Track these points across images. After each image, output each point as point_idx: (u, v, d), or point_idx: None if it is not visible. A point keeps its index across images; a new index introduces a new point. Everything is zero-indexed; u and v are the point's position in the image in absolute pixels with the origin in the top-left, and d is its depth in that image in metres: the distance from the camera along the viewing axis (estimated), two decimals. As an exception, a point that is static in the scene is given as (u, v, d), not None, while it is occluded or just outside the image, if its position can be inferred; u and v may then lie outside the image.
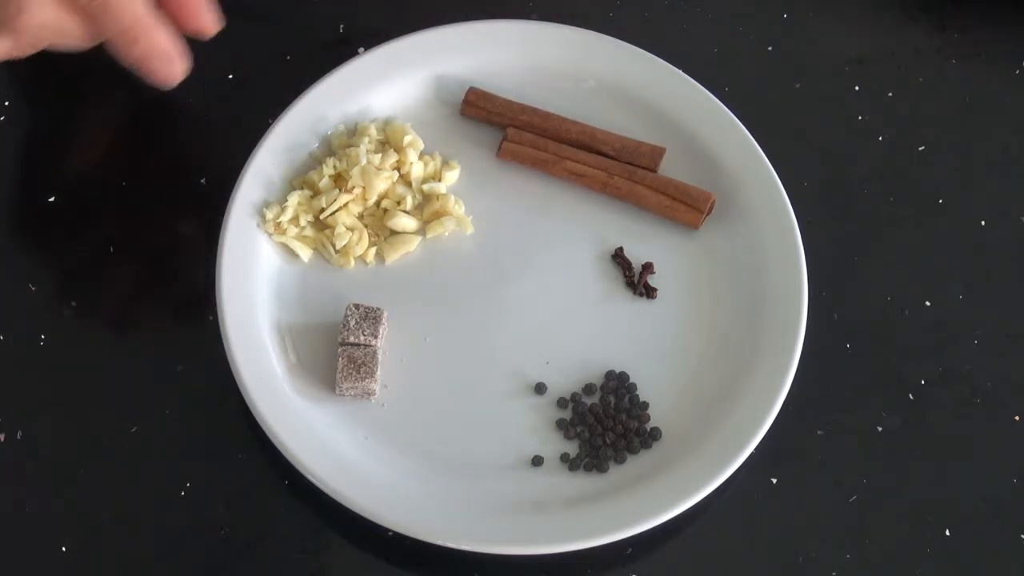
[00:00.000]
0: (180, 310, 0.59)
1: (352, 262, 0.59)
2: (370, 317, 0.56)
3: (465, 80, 0.63)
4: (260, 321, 0.56)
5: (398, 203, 0.60)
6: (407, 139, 0.61)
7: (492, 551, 0.52)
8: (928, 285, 0.61)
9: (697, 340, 0.58)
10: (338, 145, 0.61)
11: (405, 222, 0.60)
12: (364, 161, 0.59)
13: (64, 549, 0.54)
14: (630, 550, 0.54)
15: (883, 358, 0.60)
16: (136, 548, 0.54)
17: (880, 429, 0.58)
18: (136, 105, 0.63)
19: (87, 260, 0.60)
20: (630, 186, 0.61)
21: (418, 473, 0.55)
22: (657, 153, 0.61)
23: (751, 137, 0.61)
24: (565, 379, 0.57)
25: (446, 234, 0.60)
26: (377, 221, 0.60)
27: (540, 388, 0.57)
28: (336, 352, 0.56)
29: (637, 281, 0.60)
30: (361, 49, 0.63)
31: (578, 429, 0.56)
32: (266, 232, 0.59)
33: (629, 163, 0.61)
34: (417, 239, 0.60)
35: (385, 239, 0.60)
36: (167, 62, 0.54)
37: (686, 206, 0.60)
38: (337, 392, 0.55)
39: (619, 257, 0.60)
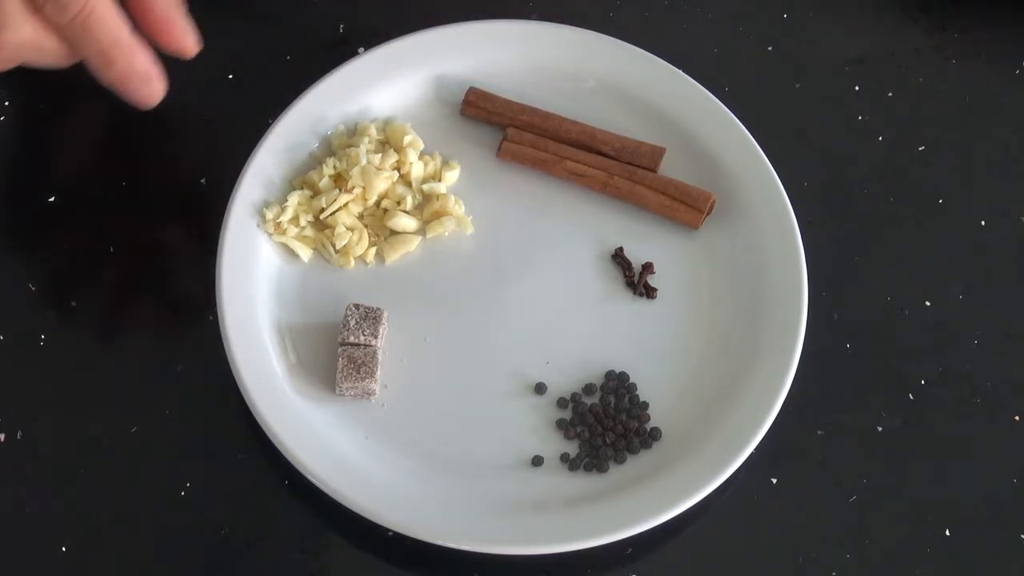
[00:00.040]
0: (180, 310, 0.59)
1: (352, 262, 0.59)
2: (370, 317, 0.56)
3: (465, 80, 0.63)
4: (260, 321, 0.56)
5: (398, 203, 0.60)
6: (407, 139, 0.61)
7: (492, 551, 0.52)
8: (928, 285, 0.61)
9: (697, 340, 0.58)
10: (338, 145, 0.61)
11: (405, 222, 0.60)
12: (364, 161, 0.59)
13: (64, 549, 0.54)
14: (630, 550, 0.54)
15: (883, 358, 0.60)
16: (136, 548, 0.54)
17: (880, 429, 0.58)
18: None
19: (87, 260, 0.60)
20: (630, 186, 0.61)
21: (418, 473, 0.55)
22: (657, 153, 0.61)
23: (751, 137, 0.61)
24: (565, 379, 0.57)
25: (446, 234, 0.60)
26: (377, 221, 0.60)
27: (540, 388, 0.57)
28: (336, 352, 0.56)
29: (637, 281, 0.60)
30: (361, 49, 0.63)
31: (578, 429, 0.56)
32: (266, 232, 0.59)
33: (629, 163, 0.61)
34: (417, 239, 0.60)
35: (385, 239, 0.60)
36: (145, 83, 0.54)
37: (686, 206, 0.60)
38: (337, 392, 0.55)
39: (619, 257, 0.60)
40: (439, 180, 0.61)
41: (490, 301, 0.59)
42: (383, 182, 0.60)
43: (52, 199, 0.60)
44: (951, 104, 0.66)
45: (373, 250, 0.60)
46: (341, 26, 0.66)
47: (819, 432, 0.58)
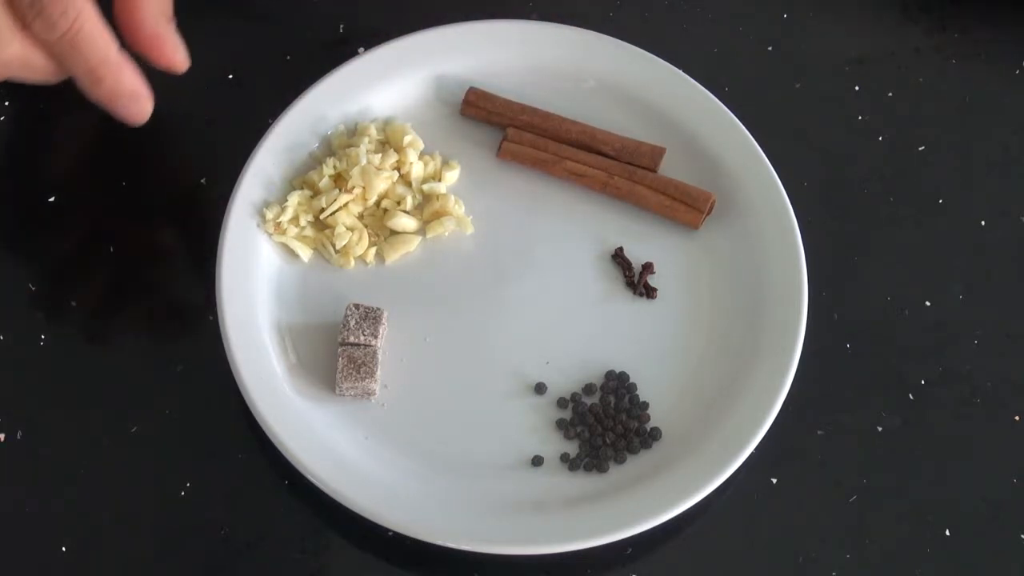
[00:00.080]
0: (180, 310, 0.59)
1: (352, 262, 0.59)
2: (370, 317, 0.56)
3: (465, 80, 0.63)
4: (260, 321, 0.56)
5: (398, 203, 0.60)
6: (407, 139, 0.61)
7: (492, 551, 0.52)
8: (928, 285, 0.61)
9: (697, 340, 0.58)
10: (338, 145, 0.61)
11: (405, 222, 0.60)
12: (364, 161, 0.59)
13: (64, 549, 0.54)
14: (630, 550, 0.55)
15: (883, 358, 0.60)
16: (136, 548, 0.54)
17: (880, 429, 0.58)
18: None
19: (88, 260, 0.60)
20: (630, 186, 0.61)
21: (418, 473, 0.55)
22: (657, 153, 0.61)
23: (751, 137, 0.61)
24: (565, 379, 0.57)
25: (446, 234, 0.60)
26: (377, 221, 0.60)
27: (540, 388, 0.57)
28: (336, 352, 0.56)
29: (637, 281, 0.60)
30: (361, 49, 0.63)
31: (578, 429, 0.56)
32: (266, 232, 0.59)
33: (629, 163, 0.61)
34: (417, 239, 0.60)
35: (385, 239, 0.60)
36: (133, 101, 0.54)
37: (686, 206, 0.60)
38: (337, 392, 0.55)
39: (619, 257, 0.60)
40: (439, 180, 0.61)
41: (490, 301, 0.59)
42: (383, 182, 0.60)
43: (52, 199, 0.60)
44: (951, 104, 0.66)
45: (373, 250, 0.60)
46: (341, 26, 0.66)
47: (819, 432, 0.58)
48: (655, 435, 0.56)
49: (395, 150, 0.61)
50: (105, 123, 0.64)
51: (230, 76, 0.64)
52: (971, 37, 0.68)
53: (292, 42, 0.65)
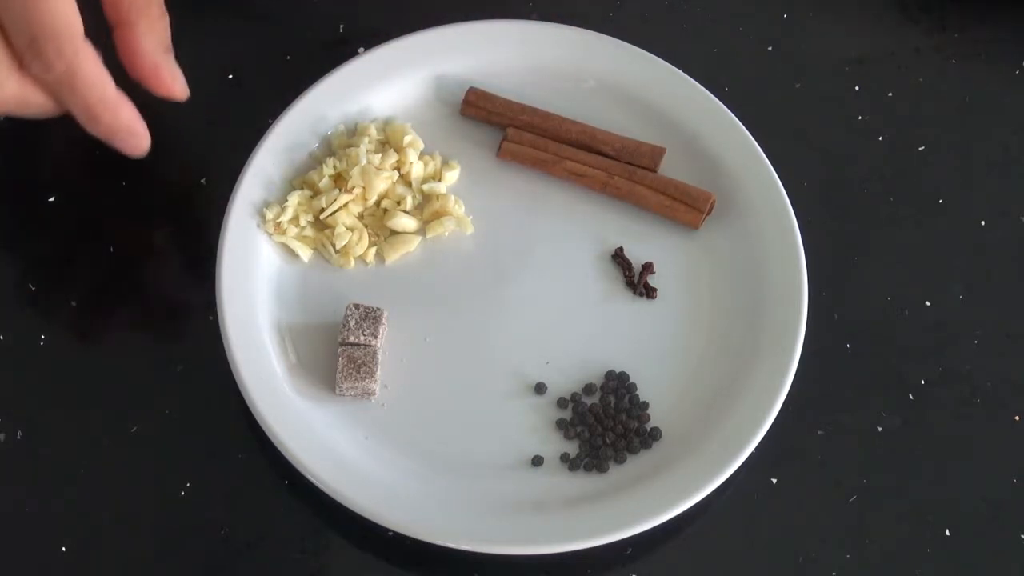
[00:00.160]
0: (180, 310, 0.59)
1: (352, 262, 0.59)
2: (370, 317, 0.56)
3: (465, 80, 0.63)
4: (260, 321, 0.56)
5: (398, 203, 0.60)
6: (407, 139, 0.61)
7: (492, 551, 0.52)
8: (928, 285, 0.61)
9: (697, 340, 0.58)
10: (338, 145, 0.61)
11: (405, 222, 0.60)
12: (364, 161, 0.59)
13: (64, 549, 0.54)
14: (630, 550, 0.55)
15: (883, 358, 0.60)
16: (136, 548, 0.54)
17: (880, 429, 0.58)
18: (136, 105, 0.63)
19: (87, 260, 0.60)
20: (630, 186, 0.61)
21: (418, 473, 0.55)
22: (657, 153, 0.61)
23: (751, 137, 0.61)
24: (565, 379, 0.57)
25: (446, 234, 0.60)
26: (377, 221, 0.60)
27: (540, 388, 0.57)
28: (336, 352, 0.56)
29: (637, 281, 0.60)
30: (361, 49, 0.63)
31: (578, 429, 0.56)
32: (266, 232, 0.59)
33: (629, 163, 0.61)
34: (417, 239, 0.60)
35: (385, 239, 0.60)
36: (131, 137, 0.54)
37: (686, 206, 0.60)
38: (337, 392, 0.55)
39: (619, 257, 0.60)
40: (439, 180, 0.61)
41: (490, 301, 0.59)
42: (383, 182, 0.60)
43: (52, 199, 0.60)
44: (951, 104, 0.66)
45: (373, 250, 0.60)
46: (341, 26, 0.66)
47: (819, 432, 0.58)
48: (655, 435, 0.56)
49: (395, 150, 0.61)
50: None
51: (230, 76, 0.64)
52: (971, 37, 0.68)
53: (292, 42, 0.65)
